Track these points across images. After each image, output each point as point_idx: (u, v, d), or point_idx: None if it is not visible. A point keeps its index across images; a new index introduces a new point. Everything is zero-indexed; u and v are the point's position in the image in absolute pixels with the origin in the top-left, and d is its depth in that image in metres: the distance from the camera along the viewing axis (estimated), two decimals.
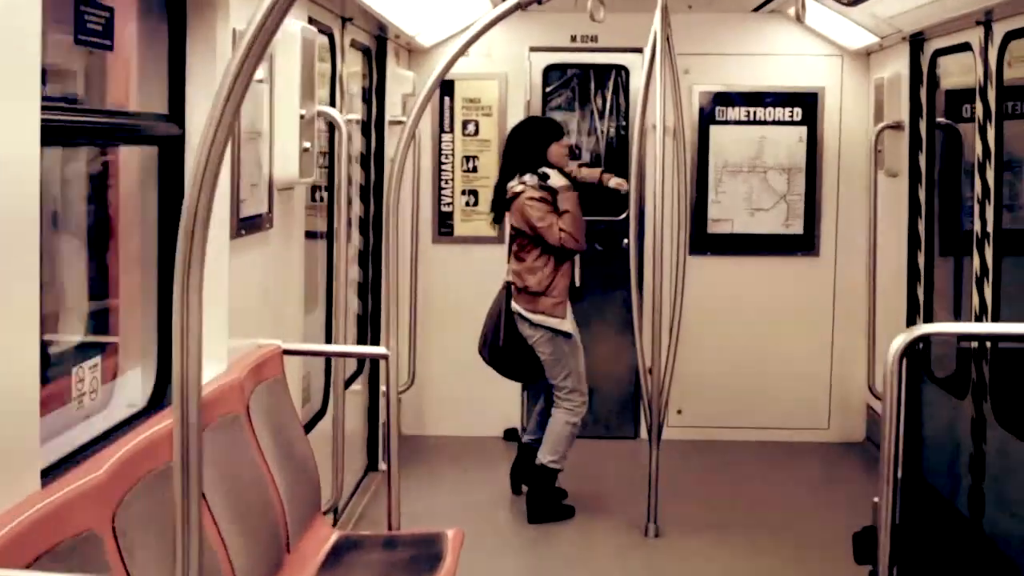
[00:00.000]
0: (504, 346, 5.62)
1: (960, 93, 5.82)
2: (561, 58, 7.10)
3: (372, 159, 6.22)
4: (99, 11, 2.81)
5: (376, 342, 6.34)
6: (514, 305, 5.56)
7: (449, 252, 7.03)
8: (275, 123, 3.92)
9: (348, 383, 5.71)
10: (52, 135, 2.46)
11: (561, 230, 5.40)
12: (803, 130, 6.91)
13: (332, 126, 4.93)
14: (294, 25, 4.00)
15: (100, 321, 3.47)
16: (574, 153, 6.50)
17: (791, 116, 6.91)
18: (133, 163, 3.45)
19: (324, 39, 4.86)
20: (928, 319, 5.96)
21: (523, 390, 6.90)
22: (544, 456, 5.57)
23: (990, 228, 4.97)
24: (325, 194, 5.17)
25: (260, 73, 3.80)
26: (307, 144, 4.11)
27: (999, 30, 4.88)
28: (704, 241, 6.88)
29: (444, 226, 7.03)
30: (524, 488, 5.80)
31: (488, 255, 6.67)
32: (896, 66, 6.19)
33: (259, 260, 3.89)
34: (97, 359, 2.95)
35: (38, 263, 2.26)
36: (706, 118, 6.91)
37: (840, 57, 6.91)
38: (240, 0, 3.47)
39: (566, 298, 5.52)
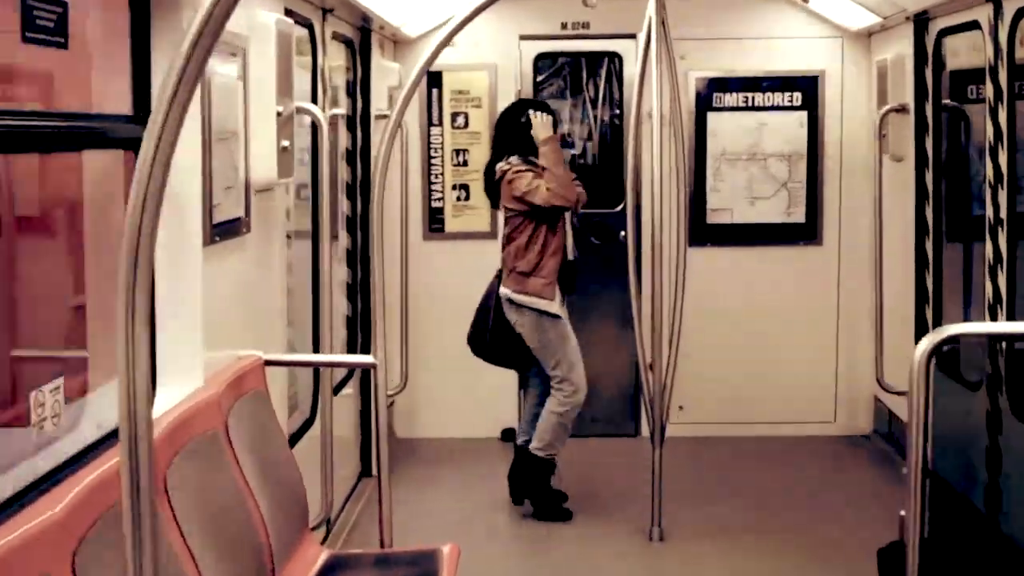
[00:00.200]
0: (492, 330, 5.47)
1: (967, 74, 5.62)
2: (552, 46, 6.89)
3: (359, 155, 6.01)
4: (51, 5, 2.59)
5: (366, 345, 6.14)
6: (502, 289, 5.41)
7: (440, 249, 6.82)
8: (250, 122, 3.70)
9: (339, 387, 5.53)
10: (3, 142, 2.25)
11: (548, 189, 5.23)
12: (803, 115, 6.70)
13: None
14: (269, 17, 3.79)
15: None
16: (566, 142, 6.26)
17: (791, 101, 6.70)
18: (101, 166, 3.25)
19: (303, 32, 4.64)
20: (937, 309, 5.77)
21: (519, 388, 6.70)
22: (533, 443, 5.45)
23: (1003, 213, 4.77)
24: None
25: (233, 70, 3.59)
26: (286, 143, 3.90)
27: (1009, 7, 4.67)
28: (703, 232, 6.68)
29: (435, 222, 6.83)
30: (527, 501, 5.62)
31: (481, 251, 6.46)
32: (899, 47, 5.99)
33: (237, 267, 3.68)
34: (59, 381, 2.74)
35: None
36: (703, 105, 6.70)
37: (840, 39, 6.70)
38: None
39: (555, 280, 5.34)
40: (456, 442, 6.76)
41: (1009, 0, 4.67)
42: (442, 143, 6.77)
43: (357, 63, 5.95)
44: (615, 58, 6.90)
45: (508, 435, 6.74)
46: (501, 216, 5.77)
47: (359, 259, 6.08)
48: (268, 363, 3.70)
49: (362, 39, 5.95)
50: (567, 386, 5.39)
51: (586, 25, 6.75)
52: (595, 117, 7.34)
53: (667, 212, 5.55)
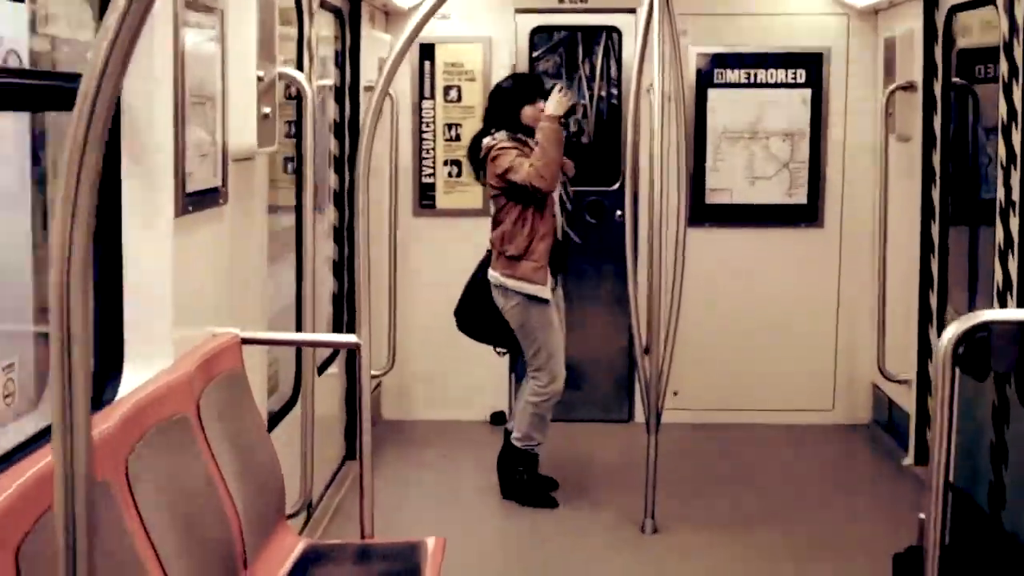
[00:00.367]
0: (480, 307, 5.31)
1: (975, 52, 5.43)
2: (549, 20, 6.68)
3: (347, 127, 5.82)
4: None
5: (352, 323, 5.95)
6: (491, 272, 5.22)
7: (431, 226, 6.63)
8: (228, 86, 3.49)
9: (323, 367, 5.37)
10: None
11: (531, 166, 5.02)
12: (807, 93, 6.49)
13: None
14: None
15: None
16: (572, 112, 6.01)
17: (794, 78, 6.49)
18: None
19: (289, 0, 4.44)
20: (942, 295, 5.59)
21: (510, 371, 6.52)
22: (514, 433, 5.30)
23: (1015, 196, 4.58)
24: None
25: (211, 32, 3.39)
26: (267, 110, 3.69)
27: None
28: (701, 212, 6.48)
29: (425, 198, 6.63)
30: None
31: (473, 228, 6.26)
32: (908, 23, 5.78)
33: (212, 239, 3.47)
34: (14, 359, 2.55)
35: None
36: (704, 81, 6.49)
37: (846, 15, 6.49)
38: None
39: (546, 264, 5.14)
40: (445, 424, 6.58)
41: None
42: (434, 117, 6.56)
43: (346, 33, 5.75)
44: (614, 33, 6.69)
45: (498, 419, 6.57)
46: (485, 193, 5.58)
47: (346, 235, 5.90)
48: (245, 341, 3.50)
49: (351, 9, 5.74)
50: (543, 376, 5.21)
51: None
52: (592, 94, 7.14)
53: (667, 191, 5.37)
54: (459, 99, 6.54)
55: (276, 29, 3.82)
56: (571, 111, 5.22)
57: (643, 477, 4.98)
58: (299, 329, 4.49)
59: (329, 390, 5.59)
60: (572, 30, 6.78)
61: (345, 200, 5.86)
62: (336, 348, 4.68)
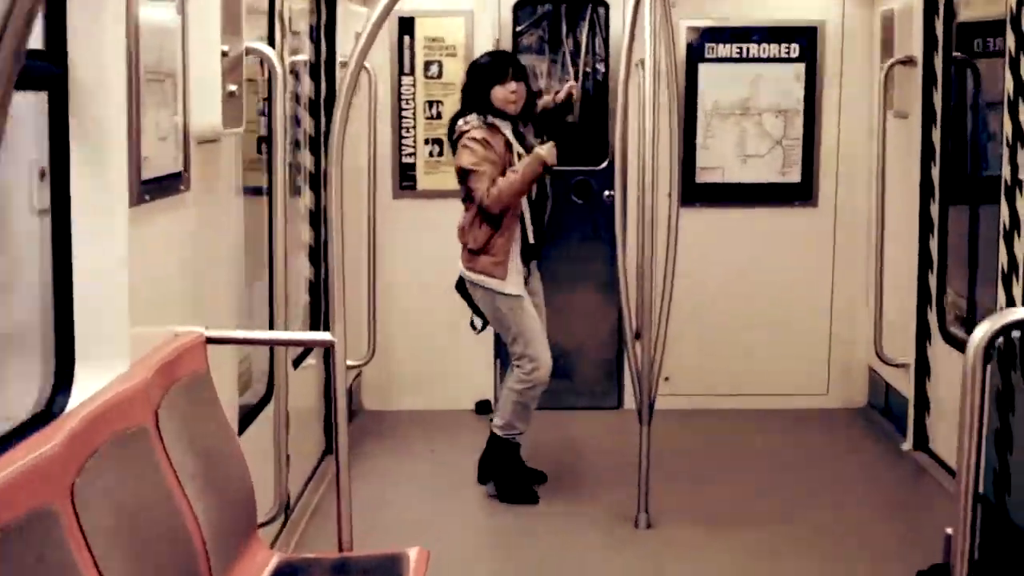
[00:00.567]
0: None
1: (980, 25, 5.22)
2: None
3: (322, 105, 5.56)
4: None
5: (329, 312, 5.72)
6: (460, 262, 5.03)
7: (412, 207, 6.37)
8: (190, 62, 3.23)
9: (300, 358, 5.15)
10: None
11: (492, 187, 4.81)
12: (801, 68, 6.26)
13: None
14: None
15: None
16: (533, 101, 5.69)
17: (788, 53, 6.26)
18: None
19: None
20: (941, 277, 5.39)
21: (495, 358, 6.30)
22: (495, 421, 5.10)
23: (1022, 175, 4.38)
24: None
25: (171, 3, 3.13)
26: (232, 87, 3.43)
27: None
28: (692, 191, 6.25)
29: (406, 179, 6.38)
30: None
31: (455, 210, 5.93)
32: None
33: (174, 229, 3.22)
34: None
35: None
36: (694, 56, 6.26)
37: None
38: None
39: (507, 257, 4.90)
40: (428, 415, 6.36)
41: None
42: (414, 94, 6.30)
43: (321, 6, 5.48)
44: (600, 6, 6.44)
45: (483, 408, 6.36)
46: None
47: (323, 219, 5.65)
48: (211, 340, 3.25)
49: None
50: (526, 362, 4.97)
51: None
52: (577, 70, 6.89)
53: (658, 170, 5.14)
54: (440, 75, 6.28)
55: (243, 1, 3.57)
56: (568, 105, 5.00)
57: (635, 468, 4.76)
58: (272, 324, 4.26)
59: (306, 382, 5.36)
60: (557, 3, 6.52)
61: (321, 182, 5.61)
62: (309, 347, 4.40)
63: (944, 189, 5.37)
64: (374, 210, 5.88)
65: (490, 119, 4.93)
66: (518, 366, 5.00)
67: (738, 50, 6.24)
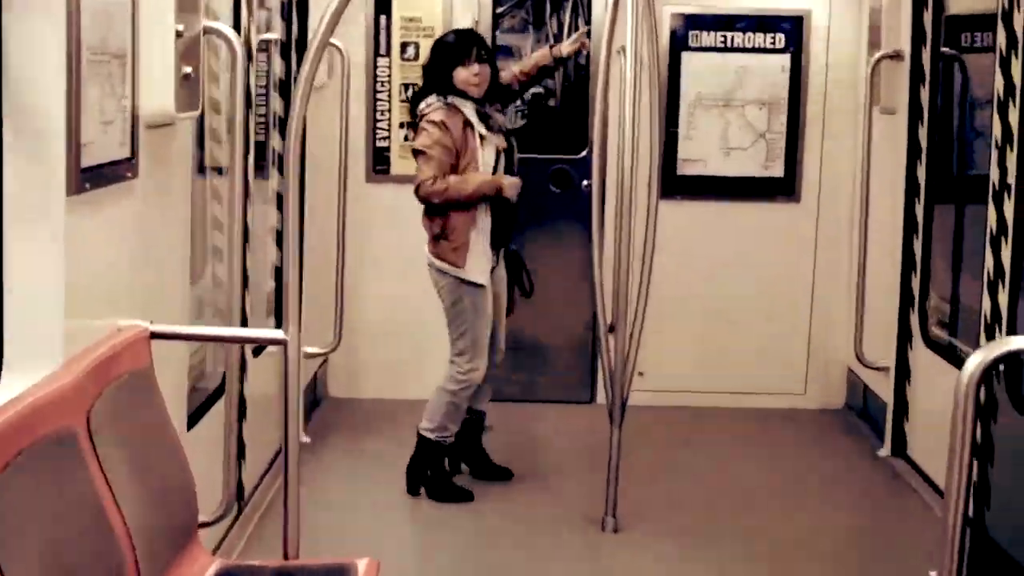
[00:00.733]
0: None
1: (968, 19, 5.07)
2: None
3: (293, 85, 5.37)
4: None
5: (298, 294, 5.55)
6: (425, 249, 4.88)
7: (386, 192, 6.20)
8: (140, 41, 3.06)
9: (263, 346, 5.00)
10: None
11: (436, 183, 4.66)
12: (786, 59, 6.10)
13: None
14: None
15: None
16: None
17: (773, 43, 6.10)
18: None
19: None
20: (925, 278, 5.26)
21: None
22: (422, 422, 4.91)
23: (1011, 178, 4.24)
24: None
25: None
26: (188, 69, 3.26)
27: None
28: (673, 183, 6.08)
29: (380, 163, 6.21)
30: (464, 467, 5.11)
31: None
32: None
33: (118, 219, 3.05)
34: None
35: None
36: (678, 44, 6.09)
37: None
38: None
39: (467, 242, 4.73)
40: (396, 404, 6.19)
41: None
42: (389, 76, 6.13)
43: None
44: None
45: None
46: None
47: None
48: (155, 336, 3.10)
49: None
50: (464, 361, 4.80)
51: None
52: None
53: (637, 160, 4.99)
54: (416, 57, 6.09)
55: None
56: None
57: (605, 467, 4.63)
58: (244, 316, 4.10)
59: (268, 369, 5.20)
60: None
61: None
62: (261, 344, 4.23)
63: (930, 188, 5.24)
64: (344, 194, 5.72)
65: (450, 99, 4.75)
66: (455, 363, 4.82)
67: (723, 39, 6.08)
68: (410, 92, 6.09)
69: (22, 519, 2.16)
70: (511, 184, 4.75)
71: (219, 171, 4.89)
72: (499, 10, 6.37)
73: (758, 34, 6.08)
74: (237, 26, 4.34)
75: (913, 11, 5.26)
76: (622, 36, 4.61)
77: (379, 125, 6.16)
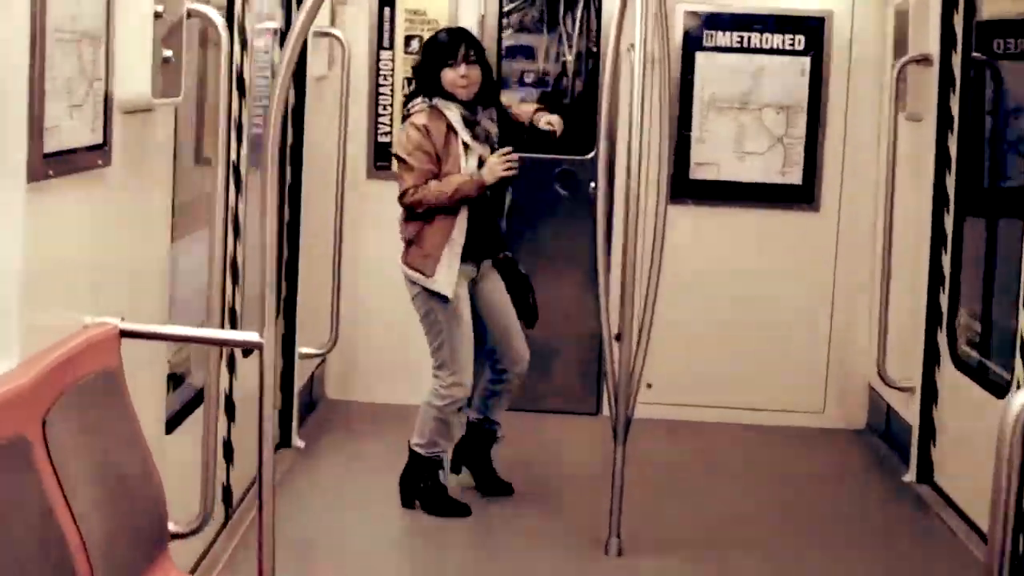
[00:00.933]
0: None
1: (1003, 24, 4.87)
2: None
3: (292, 76, 5.18)
4: None
5: (293, 293, 5.37)
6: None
7: (387, 189, 5.92)
8: (116, 22, 2.85)
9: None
10: None
11: (417, 191, 4.46)
12: (806, 62, 5.86)
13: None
14: None
15: None
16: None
17: (792, 44, 5.87)
18: None
19: None
20: (954, 294, 5.00)
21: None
22: (413, 437, 4.70)
23: None
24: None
25: None
26: (168, 53, 3.05)
27: None
28: (684, 187, 5.87)
29: (382, 159, 6.00)
30: (462, 469, 4.91)
31: None
32: None
33: (90, 208, 2.84)
34: None
35: None
36: (692, 43, 5.87)
37: None
38: None
39: (438, 251, 4.51)
40: (394, 409, 5.95)
41: None
42: (392, 70, 5.93)
43: None
44: None
45: None
46: None
47: (288, 196, 5.29)
48: (125, 334, 2.88)
49: None
50: (446, 375, 4.58)
51: None
52: (569, 52, 6.51)
53: (646, 163, 4.76)
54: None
55: None
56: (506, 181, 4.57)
57: (608, 483, 4.39)
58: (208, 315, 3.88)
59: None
60: None
61: (288, 157, 5.26)
62: (235, 347, 3.96)
63: (960, 200, 4.99)
64: (342, 190, 5.53)
65: (435, 101, 4.54)
66: (436, 377, 4.61)
67: (739, 39, 5.86)
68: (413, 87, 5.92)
69: None
70: (494, 166, 4.49)
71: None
72: (508, 7, 6.15)
73: (776, 35, 5.86)
74: (231, 12, 4.15)
75: (943, 13, 5.03)
76: (632, 33, 4.38)
77: (381, 120, 5.96)
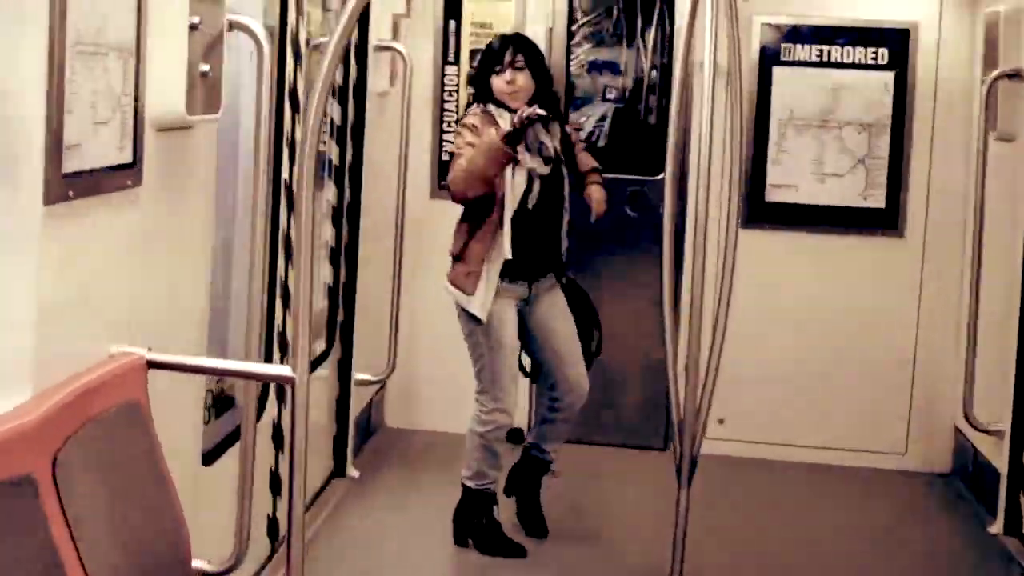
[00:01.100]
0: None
1: None
2: None
3: (351, 92, 5.05)
4: None
5: (350, 317, 5.20)
6: None
7: (451, 209, 5.76)
8: (147, 34, 2.69)
9: (312, 368, 4.63)
10: None
11: (460, 169, 4.32)
12: (889, 77, 5.56)
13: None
14: None
15: None
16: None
17: (875, 59, 5.57)
18: None
19: None
20: None
21: (532, 382, 5.70)
22: (462, 470, 4.52)
23: None
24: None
25: None
26: (206, 67, 2.89)
27: None
28: (759, 210, 5.61)
29: (446, 178, 5.79)
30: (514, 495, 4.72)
31: None
32: None
33: (116, 231, 2.68)
34: None
35: None
36: (769, 58, 5.60)
37: None
38: None
39: (480, 269, 4.33)
40: (455, 438, 5.74)
41: None
42: (458, 85, 5.75)
43: None
44: None
45: (514, 436, 5.74)
46: None
47: (346, 216, 5.13)
48: (152, 365, 2.71)
49: None
50: (488, 400, 4.40)
51: None
52: (644, 67, 6.27)
53: (716, 183, 4.52)
54: None
55: None
56: (527, 124, 4.25)
57: (672, 523, 4.13)
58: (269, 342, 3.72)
59: (317, 395, 4.88)
60: None
61: (345, 176, 5.11)
62: (266, 380, 3.76)
63: None
64: (403, 209, 5.37)
65: (488, 107, 4.40)
66: (478, 402, 4.44)
67: (819, 53, 5.58)
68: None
69: None
70: (513, 125, 4.22)
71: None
72: (585, 17, 5.95)
73: (859, 48, 5.57)
74: (283, 24, 4.01)
75: None
76: (703, 49, 4.14)
77: (446, 137, 5.77)
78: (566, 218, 4.51)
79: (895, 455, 5.69)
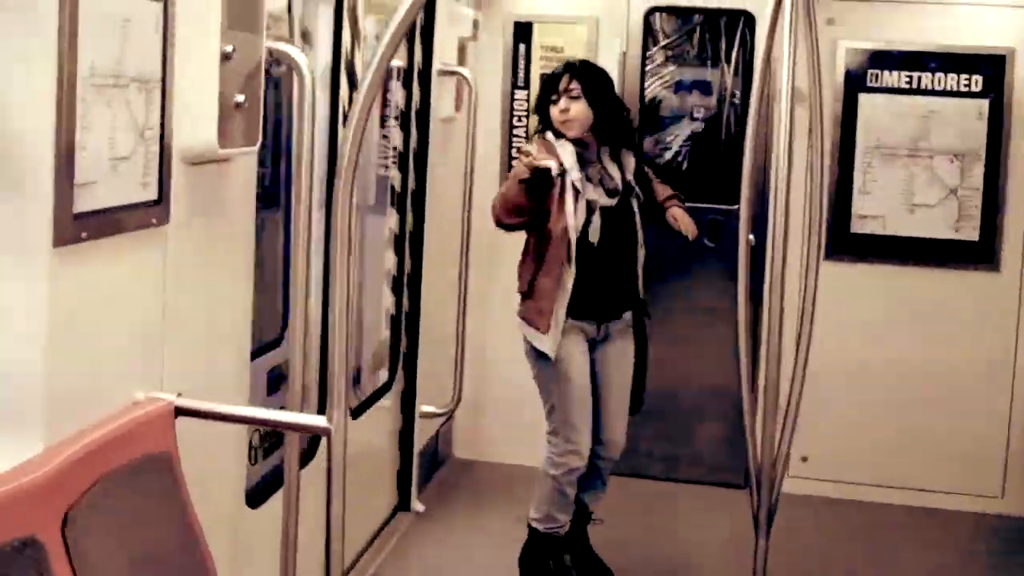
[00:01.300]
0: None
1: None
2: None
3: (413, 117, 4.92)
4: None
5: (413, 347, 5.06)
6: None
7: (519, 236, 5.61)
8: (174, 64, 2.57)
9: (374, 398, 4.62)
10: None
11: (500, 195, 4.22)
12: (984, 104, 5.28)
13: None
14: None
15: None
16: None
17: (968, 85, 5.29)
18: None
19: None
20: None
21: None
22: (531, 512, 4.33)
23: None
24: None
25: None
26: (240, 97, 2.76)
27: None
28: (845, 243, 5.37)
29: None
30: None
31: None
32: None
33: (139, 272, 2.55)
34: None
35: None
36: (854, 84, 5.35)
37: None
38: None
39: (552, 308, 4.12)
40: (526, 471, 5.55)
41: None
42: (527, 111, 5.60)
43: None
44: (745, 18, 5.61)
45: None
46: None
47: (408, 244, 5.01)
48: (180, 412, 2.58)
49: None
50: (559, 442, 4.20)
51: None
52: (727, 90, 6.05)
53: (797, 214, 4.27)
54: None
55: None
56: (543, 180, 4.08)
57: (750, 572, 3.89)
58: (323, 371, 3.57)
59: (379, 427, 4.78)
60: (691, 12, 5.71)
61: (407, 202, 4.98)
62: (300, 432, 3.60)
63: None
64: (468, 236, 5.21)
65: (547, 136, 4.24)
66: (550, 443, 4.25)
67: (908, 79, 5.32)
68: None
69: None
70: (521, 167, 4.09)
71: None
72: (661, 42, 5.74)
73: (951, 75, 5.30)
74: (337, 50, 3.89)
75: None
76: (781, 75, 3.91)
77: (515, 163, 5.61)
78: (641, 254, 4.28)
79: (991, 498, 5.40)
